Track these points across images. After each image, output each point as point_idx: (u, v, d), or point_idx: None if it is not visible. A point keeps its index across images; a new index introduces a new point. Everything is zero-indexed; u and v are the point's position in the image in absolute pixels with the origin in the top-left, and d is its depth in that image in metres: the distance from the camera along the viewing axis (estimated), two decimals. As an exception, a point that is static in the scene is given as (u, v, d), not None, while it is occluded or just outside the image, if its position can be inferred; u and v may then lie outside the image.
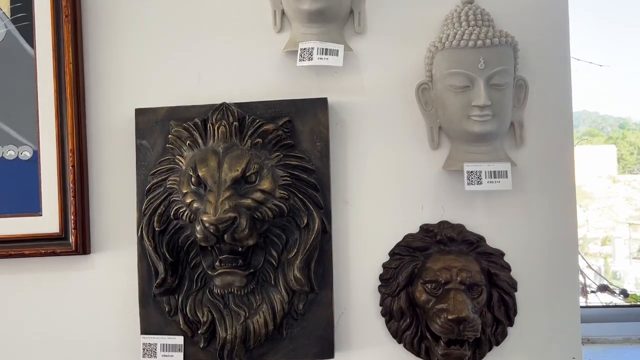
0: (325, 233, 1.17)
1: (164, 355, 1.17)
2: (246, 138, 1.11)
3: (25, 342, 1.26)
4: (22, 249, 1.21)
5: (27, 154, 1.24)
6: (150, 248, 1.14)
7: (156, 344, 1.18)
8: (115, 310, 1.23)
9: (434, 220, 1.21)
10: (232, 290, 1.13)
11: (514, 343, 1.20)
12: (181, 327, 1.16)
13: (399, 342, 1.20)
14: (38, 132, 1.23)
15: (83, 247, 1.22)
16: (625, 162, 1.92)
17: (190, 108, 1.18)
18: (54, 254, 1.21)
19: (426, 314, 1.14)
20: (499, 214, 1.21)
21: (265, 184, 1.10)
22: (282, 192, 1.12)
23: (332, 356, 1.16)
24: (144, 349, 1.18)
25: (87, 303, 1.24)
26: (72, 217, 1.21)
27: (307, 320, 1.17)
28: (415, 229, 1.21)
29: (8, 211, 1.23)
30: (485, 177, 1.14)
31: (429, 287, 1.14)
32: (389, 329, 1.20)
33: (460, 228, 1.19)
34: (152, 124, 1.19)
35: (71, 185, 1.21)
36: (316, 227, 1.13)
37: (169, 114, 1.19)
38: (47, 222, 1.22)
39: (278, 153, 1.13)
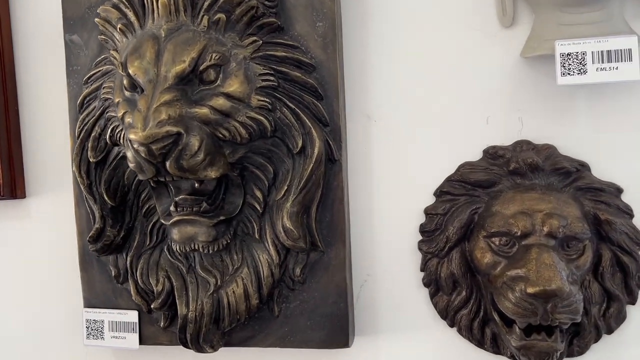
0: (334, 162, 0.77)
1: (114, 337, 0.84)
2: (201, 13, 0.71)
3: None
4: None
5: (-63, 66, 0.92)
6: (84, 187, 0.80)
7: (103, 321, 0.84)
8: (55, 273, 0.91)
9: (506, 140, 0.78)
10: (196, 247, 0.76)
11: (636, 330, 0.76)
12: (133, 298, 0.82)
13: (451, 326, 0.79)
14: (-54, 34, 0.90)
15: (12, 188, 0.90)
16: None
17: (134, -17, 0.80)
18: (-28, 198, 0.89)
19: (492, 284, 0.73)
20: (613, 126, 0.75)
21: (234, 85, 0.71)
22: (261, 98, 0.72)
23: (347, 344, 0.78)
24: (87, 327, 0.85)
25: (18, 263, 0.93)
26: (-7, 148, 0.88)
27: (308, 292, 0.79)
28: (476, 155, 0.79)
29: None
30: (594, 62, 0.68)
31: (497, 242, 0.72)
32: (435, 305, 0.80)
33: (548, 151, 0.76)
34: (84, 11, 0.82)
35: (-12, 104, 0.88)
36: (316, 152, 0.74)
37: (106, -7, 0.82)
38: (-35, 155, 0.90)
39: (255, 38, 0.73)
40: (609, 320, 0.75)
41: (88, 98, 0.81)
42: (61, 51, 0.86)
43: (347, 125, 0.81)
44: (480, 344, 0.78)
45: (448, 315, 0.79)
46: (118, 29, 0.75)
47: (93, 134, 0.79)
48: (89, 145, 0.80)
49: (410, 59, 0.80)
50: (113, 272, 0.83)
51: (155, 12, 0.72)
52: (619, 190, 0.75)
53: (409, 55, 0.80)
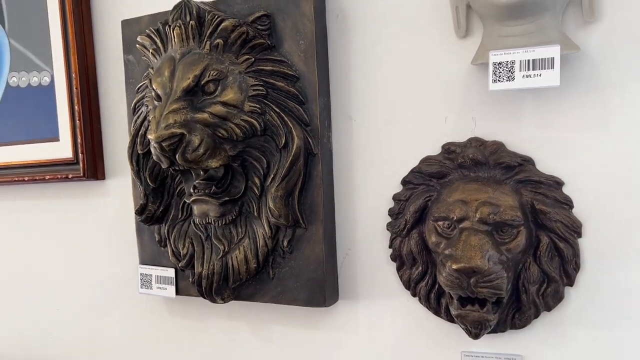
0: (314, 156, 0.93)
1: (159, 288, 1.09)
2: (205, 40, 0.92)
3: (32, 266, 1.31)
4: (44, 174, 1.22)
5: (46, 79, 1.22)
6: (133, 172, 1.05)
7: (151, 275, 1.10)
8: (125, 237, 1.18)
9: (461, 137, 0.89)
10: (210, 220, 0.98)
11: (574, 310, 0.84)
12: (170, 259, 1.06)
13: (413, 295, 0.93)
14: (51, 56, 1.20)
15: (94, 172, 1.19)
16: None
17: (169, 13, 1.02)
18: (67, 179, 1.19)
19: (437, 260, 0.86)
20: (558, 126, 0.83)
21: (229, 95, 0.90)
22: (253, 105, 0.91)
23: (323, 304, 0.95)
24: (141, 279, 1.11)
25: (98, 230, 1.22)
26: (80, 142, 1.17)
27: (295, 260, 0.97)
28: (436, 150, 0.91)
29: (35, 137, 1.24)
30: (520, 70, 0.78)
31: (441, 225, 0.85)
32: (401, 277, 0.94)
33: (495, 147, 0.85)
34: (136, 36, 1.06)
35: (77, 108, 1.17)
36: (295, 147, 0.91)
37: (150, 22, 1.05)
38: (63, 147, 1.20)
39: (248, 56, 0.92)
40: (547, 299, 0.84)
41: (138, 104, 1.05)
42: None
43: (332, 125, 0.97)
44: (437, 312, 0.91)
45: (410, 286, 0.93)
46: (150, 52, 0.98)
47: (140, 132, 1.04)
48: (138, 140, 1.04)
49: (383, 68, 0.93)
50: (157, 238, 1.08)
51: (173, 40, 0.94)
52: (558, 183, 0.83)
53: (382, 64, 0.93)
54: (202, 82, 0.90)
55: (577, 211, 0.82)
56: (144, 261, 1.11)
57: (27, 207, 1.29)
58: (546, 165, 0.84)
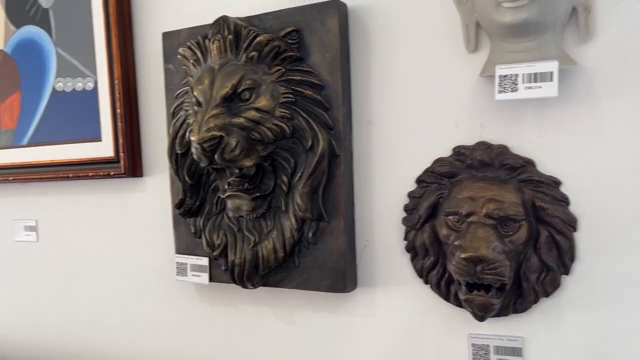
0: (337, 157, 1.04)
1: (193, 275, 1.20)
2: (241, 52, 1.03)
3: (76, 256, 1.42)
4: (87, 171, 1.34)
5: (90, 85, 1.34)
6: (172, 170, 1.16)
7: (187, 264, 1.21)
8: (161, 229, 1.29)
9: (470, 140, 0.99)
10: (242, 214, 1.09)
11: (570, 296, 0.94)
12: (204, 249, 1.17)
13: (425, 283, 1.03)
14: (95, 63, 1.32)
15: (133, 169, 1.30)
16: None
17: (208, 27, 1.13)
18: (108, 176, 1.31)
19: (448, 251, 0.96)
20: (556, 131, 0.93)
21: (262, 102, 1.01)
22: (283, 110, 1.02)
23: (344, 290, 1.05)
24: (177, 268, 1.22)
25: (137, 223, 1.33)
26: (122, 142, 1.29)
27: (318, 250, 1.07)
28: (448, 152, 1.01)
29: (78, 137, 1.36)
30: (523, 82, 0.88)
31: (451, 219, 0.95)
32: (414, 267, 1.04)
33: (500, 150, 0.96)
34: (175, 47, 1.18)
35: (119, 111, 1.28)
36: (320, 149, 1.02)
37: (189, 35, 1.16)
38: (105, 147, 1.32)
39: (279, 67, 1.03)
40: (546, 286, 0.94)
41: (177, 108, 1.16)
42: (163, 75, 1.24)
43: (353, 129, 1.07)
44: (446, 298, 1.01)
45: (423, 275, 1.03)
46: (191, 63, 1.09)
47: (179, 134, 1.15)
48: (177, 141, 1.15)
49: (399, 78, 1.03)
50: (192, 230, 1.19)
51: (212, 52, 1.05)
52: (556, 183, 0.93)
53: (399, 75, 1.03)
54: (239, 90, 1.01)
55: (573, 208, 0.92)
56: (179, 251, 1.22)
57: (70, 201, 1.41)
58: (546, 166, 0.94)
